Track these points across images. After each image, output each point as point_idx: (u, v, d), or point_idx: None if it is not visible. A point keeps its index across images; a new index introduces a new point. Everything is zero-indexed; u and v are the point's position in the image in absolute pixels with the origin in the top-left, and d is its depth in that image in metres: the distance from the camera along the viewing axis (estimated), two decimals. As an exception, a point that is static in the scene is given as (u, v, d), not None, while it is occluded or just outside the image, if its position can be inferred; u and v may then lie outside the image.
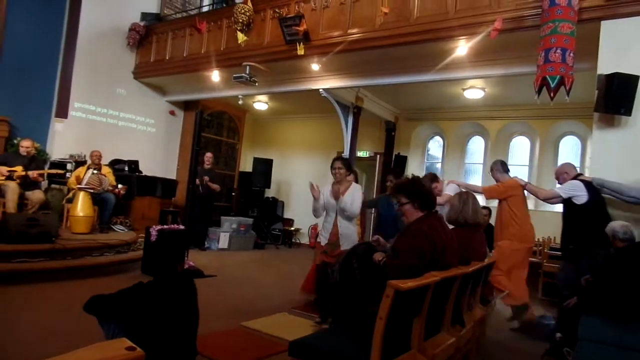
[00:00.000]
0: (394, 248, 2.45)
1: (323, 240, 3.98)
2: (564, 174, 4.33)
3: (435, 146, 10.00)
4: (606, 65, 4.24)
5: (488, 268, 3.31)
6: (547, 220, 7.09)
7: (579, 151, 8.18)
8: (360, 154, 9.39)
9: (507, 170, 4.84)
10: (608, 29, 4.37)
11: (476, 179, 9.14)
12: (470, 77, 6.34)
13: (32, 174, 6.05)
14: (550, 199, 4.36)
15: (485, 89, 7.36)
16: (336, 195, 3.91)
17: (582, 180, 4.08)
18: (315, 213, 4.10)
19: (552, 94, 4.21)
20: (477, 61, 5.69)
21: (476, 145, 9.39)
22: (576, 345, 2.79)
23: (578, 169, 4.93)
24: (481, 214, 3.10)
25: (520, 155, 8.78)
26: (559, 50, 4.13)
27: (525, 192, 4.70)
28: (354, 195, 3.96)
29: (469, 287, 2.78)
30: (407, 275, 2.10)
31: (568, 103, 4.52)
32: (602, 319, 2.69)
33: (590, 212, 3.88)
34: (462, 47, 5.40)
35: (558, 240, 7.60)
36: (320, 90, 7.28)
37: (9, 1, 7.01)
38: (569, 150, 8.38)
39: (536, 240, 7.42)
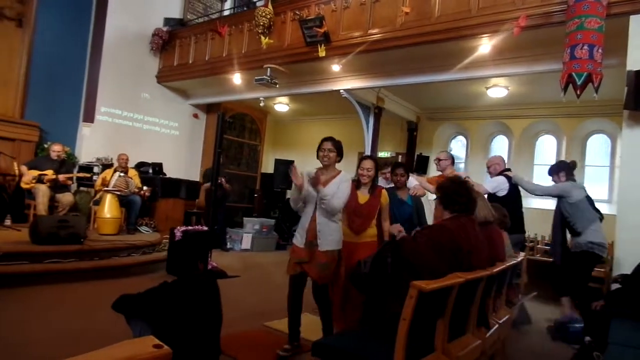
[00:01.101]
0: (415, 235, 2.44)
1: (299, 240, 3.18)
2: (496, 165, 4.82)
3: (458, 146, 9.87)
4: (636, 61, 4.12)
5: (514, 269, 3.25)
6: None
7: (609, 150, 7.94)
8: (381, 154, 9.34)
9: (453, 162, 4.95)
10: (638, 23, 4.24)
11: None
12: (493, 75, 6.22)
13: (62, 177, 6.25)
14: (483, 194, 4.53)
15: (509, 88, 7.23)
16: (315, 182, 3.04)
17: (506, 176, 4.64)
18: (294, 204, 3.29)
19: (578, 92, 4.11)
20: (500, 59, 5.60)
21: (500, 145, 9.23)
22: (606, 349, 2.71)
23: (608, 168, 5.00)
24: (489, 211, 3.05)
25: (546, 155, 8.59)
26: (585, 47, 4.03)
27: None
28: (339, 187, 3.17)
29: (493, 289, 2.74)
30: (419, 260, 2.18)
31: (596, 100, 4.40)
32: (633, 323, 2.61)
33: (508, 202, 4.29)
34: (485, 45, 5.32)
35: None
36: (341, 91, 7.28)
37: (38, 11, 7.25)
38: (597, 148, 8.15)
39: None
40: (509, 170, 4.81)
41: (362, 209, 3.50)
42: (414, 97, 8.59)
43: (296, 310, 3.18)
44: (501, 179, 4.65)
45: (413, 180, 4.47)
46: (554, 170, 4.64)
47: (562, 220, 4.41)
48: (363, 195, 3.57)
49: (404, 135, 9.63)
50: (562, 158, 8.22)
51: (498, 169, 4.78)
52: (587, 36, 4.04)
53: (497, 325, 2.73)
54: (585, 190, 4.44)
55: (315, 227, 3.11)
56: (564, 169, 4.56)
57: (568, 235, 4.51)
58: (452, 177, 2.87)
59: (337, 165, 3.36)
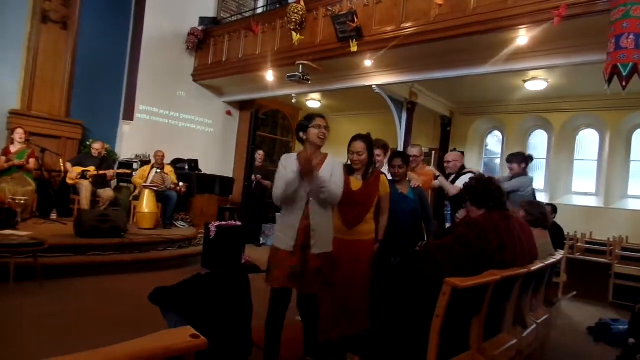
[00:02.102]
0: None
1: (286, 243, 2.54)
2: (456, 161, 4.69)
3: (494, 141, 9.63)
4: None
5: (553, 268, 3.15)
6: (618, 219, 6.63)
7: (656, 144, 7.57)
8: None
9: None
10: (690, 9, 3.99)
11: (539, 176, 8.70)
12: (532, 68, 6.00)
13: (110, 173, 6.56)
14: (455, 194, 4.41)
15: (549, 80, 6.98)
16: (309, 169, 2.47)
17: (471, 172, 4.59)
18: (284, 197, 2.56)
19: (624, 83, 3.92)
20: (539, 51, 5.41)
21: (538, 140, 8.94)
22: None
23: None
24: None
25: (588, 150, 8.25)
26: (631, 36, 3.84)
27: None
28: (332, 170, 2.63)
29: (531, 287, 2.66)
30: (446, 258, 2.14)
31: (643, 92, 4.19)
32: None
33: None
34: (523, 37, 5.15)
35: (632, 240, 7.12)
36: (373, 86, 7.22)
37: (81, 14, 7.54)
38: (643, 143, 7.78)
39: (605, 239, 6.98)
40: (467, 168, 4.74)
41: (357, 197, 3.02)
42: (448, 92, 8.43)
43: (278, 332, 2.60)
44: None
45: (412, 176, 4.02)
46: (519, 160, 4.57)
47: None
48: (357, 181, 3.11)
49: (437, 131, 9.46)
50: (606, 153, 7.89)
51: (458, 165, 4.69)
52: (634, 24, 3.84)
53: (534, 325, 2.66)
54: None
55: (308, 226, 2.54)
56: (525, 161, 4.58)
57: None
58: (477, 176, 2.80)
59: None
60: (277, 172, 2.64)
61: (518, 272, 2.25)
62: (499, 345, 2.18)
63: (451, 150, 8.99)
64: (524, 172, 4.52)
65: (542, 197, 7.68)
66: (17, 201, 5.32)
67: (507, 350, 2.22)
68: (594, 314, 4.55)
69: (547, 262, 2.76)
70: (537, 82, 7.05)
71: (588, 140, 8.34)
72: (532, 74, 6.79)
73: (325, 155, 2.74)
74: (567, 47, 5.20)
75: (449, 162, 4.72)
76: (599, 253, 6.39)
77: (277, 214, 8.05)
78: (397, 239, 3.24)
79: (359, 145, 3.06)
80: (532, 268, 2.42)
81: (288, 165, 2.60)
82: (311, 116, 2.72)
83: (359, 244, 3.04)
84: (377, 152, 3.46)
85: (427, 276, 2.13)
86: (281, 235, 2.59)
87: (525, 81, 7.11)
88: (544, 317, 2.91)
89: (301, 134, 2.69)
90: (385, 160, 3.68)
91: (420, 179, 3.92)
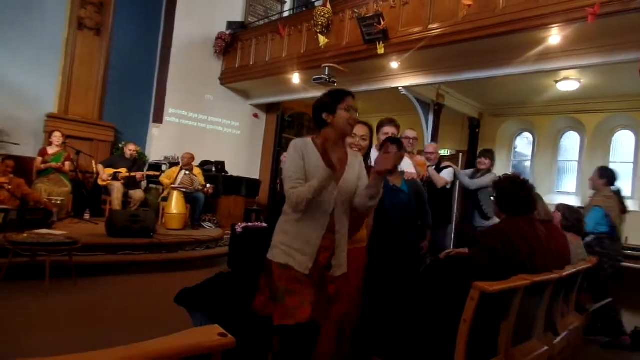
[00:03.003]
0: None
1: (300, 262, 1.87)
2: (436, 153, 4.79)
3: (524, 143, 9.40)
4: None
5: (586, 273, 3.05)
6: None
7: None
8: (441, 152, 9.09)
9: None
10: None
11: (571, 179, 8.45)
12: (564, 67, 5.83)
13: (140, 175, 6.76)
14: (443, 185, 4.48)
15: (581, 80, 6.77)
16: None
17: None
18: (315, 196, 1.85)
19: (662, 82, 3.77)
20: (572, 50, 5.25)
21: (570, 142, 8.68)
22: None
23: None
24: (543, 209, 2.88)
25: (624, 152, 7.96)
26: (671, 33, 3.69)
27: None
28: (360, 169, 2.07)
29: (562, 293, 2.59)
30: (474, 270, 2.09)
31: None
32: None
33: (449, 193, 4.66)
34: (555, 36, 5.02)
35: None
36: (400, 88, 7.17)
37: (114, 21, 7.78)
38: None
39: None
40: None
41: None
42: (476, 93, 8.28)
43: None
44: (452, 170, 4.64)
45: (407, 161, 3.57)
46: (490, 157, 4.80)
47: (476, 206, 4.70)
48: None
49: (465, 133, 9.31)
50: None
51: (437, 157, 4.76)
52: (673, 22, 3.70)
53: (566, 332, 2.58)
54: None
55: (333, 242, 1.93)
56: (493, 160, 4.82)
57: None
58: (512, 175, 2.70)
59: None
60: (290, 164, 1.98)
61: (549, 277, 2.19)
62: (529, 352, 2.13)
63: (480, 152, 8.84)
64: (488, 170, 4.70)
65: (573, 201, 7.45)
66: (53, 201, 5.53)
67: (537, 357, 2.16)
68: (630, 321, 4.38)
69: (578, 268, 2.68)
70: (569, 82, 6.84)
71: (624, 142, 8.04)
72: (564, 74, 6.60)
73: (345, 149, 2.08)
74: (601, 45, 5.03)
75: (431, 153, 4.72)
76: (635, 259, 6.15)
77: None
78: (388, 238, 2.83)
79: (363, 129, 2.58)
80: (564, 273, 2.36)
81: (311, 158, 1.94)
82: (339, 93, 2.00)
83: (355, 254, 2.29)
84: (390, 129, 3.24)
85: (458, 285, 2.10)
86: (293, 251, 1.88)
87: (557, 81, 6.92)
88: (576, 324, 2.83)
89: (325, 115, 1.97)
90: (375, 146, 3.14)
91: (418, 169, 3.76)
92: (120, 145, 7.66)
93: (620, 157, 7.89)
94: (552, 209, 3.29)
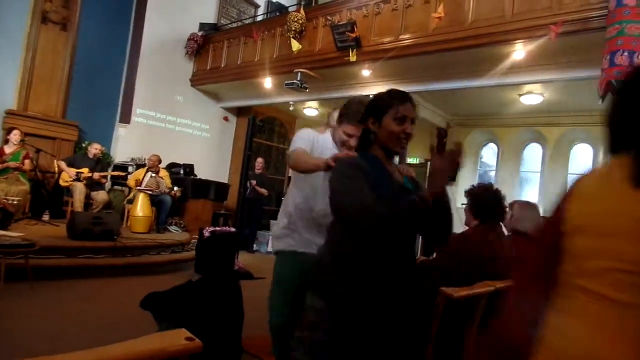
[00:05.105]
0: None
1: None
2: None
3: (489, 153, 9.69)
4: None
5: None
6: None
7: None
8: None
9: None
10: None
11: (532, 188, 8.77)
12: (527, 82, 6.08)
13: (97, 175, 6.49)
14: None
15: (544, 95, 7.05)
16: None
17: None
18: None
19: (618, 100, 3.97)
20: (535, 65, 5.47)
21: (533, 153, 9.01)
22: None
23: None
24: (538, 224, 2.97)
25: (582, 164, 8.34)
26: (625, 53, 3.90)
27: None
28: None
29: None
30: (439, 273, 2.17)
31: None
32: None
33: None
34: (520, 51, 5.22)
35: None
36: (371, 96, 7.24)
37: (81, 16, 7.55)
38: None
39: None
40: None
41: None
42: (444, 103, 8.49)
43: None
44: None
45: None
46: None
47: None
48: None
49: (433, 141, 9.51)
50: (598, 167, 7.96)
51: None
52: (628, 42, 3.91)
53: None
54: None
55: None
56: None
57: None
58: (486, 184, 2.78)
59: None
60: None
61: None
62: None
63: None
64: None
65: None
66: (10, 201, 5.28)
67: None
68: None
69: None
70: (532, 96, 7.11)
71: (582, 155, 8.43)
72: (527, 88, 6.86)
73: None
74: (563, 62, 5.27)
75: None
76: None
77: (272, 221, 8.05)
78: None
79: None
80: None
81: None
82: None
83: None
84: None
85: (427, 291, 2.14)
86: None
87: (520, 95, 7.18)
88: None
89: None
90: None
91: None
92: (83, 145, 7.41)
93: (578, 169, 8.24)
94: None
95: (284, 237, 2.28)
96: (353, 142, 2.01)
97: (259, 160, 8.49)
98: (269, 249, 8.19)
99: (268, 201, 9.15)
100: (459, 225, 2.76)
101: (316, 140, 2.13)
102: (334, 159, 1.66)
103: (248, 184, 7.30)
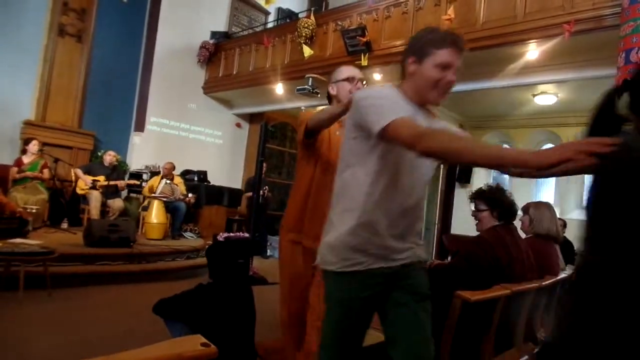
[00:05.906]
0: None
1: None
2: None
3: (504, 155, 9.58)
4: (700, 64, 3.86)
5: (564, 283, 3.10)
6: None
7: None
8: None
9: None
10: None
11: (548, 190, 8.64)
12: (541, 82, 6.01)
13: (121, 183, 6.65)
14: None
15: (558, 95, 6.96)
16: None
17: None
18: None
19: (635, 98, 3.89)
20: (549, 65, 5.41)
21: (548, 154, 8.89)
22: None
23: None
24: (555, 226, 2.91)
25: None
26: (642, 51, 3.83)
27: None
28: None
29: (542, 302, 2.63)
30: (454, 277, 2.14)
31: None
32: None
33: None
34: (533, 51, 5.16)
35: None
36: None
37: (96, 28, 7.70)
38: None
39: None
40: None
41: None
42: (457, 106, 8.42)
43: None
44: None
45: None
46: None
47: None
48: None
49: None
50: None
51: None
52: (644, 40, 3.84)
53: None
54: None
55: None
56: None
57: None
58: (497, 185, 2.75)
59: None
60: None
61: (529, 286, 2.22)
62: (510, 361, 2.15)
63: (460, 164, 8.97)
64: None
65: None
66: (28, 210, 5.38)
67: (518, 367, 2.18)
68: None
69: (558, 277, 2.72)
70: (546, 97, 7.02)
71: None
72: (541, 88, 6.78)
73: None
74: (577, 61, 5.19)
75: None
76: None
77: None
78: None
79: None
80: (544, 283, 2.40)
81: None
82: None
83: None
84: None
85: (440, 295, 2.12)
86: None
87: (534, 95, 7.10)
88: (556, 334, 2.86)
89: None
90: None
91: None
92: (99, 154, 7.53)
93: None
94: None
95: (349, 251, 1.41)
96: (453, 75, 1.52)
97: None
98: (283, 254, 8.17)
99: (272, 205, 9.08)
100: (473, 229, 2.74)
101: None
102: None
103: (262, 192, 7.31)
